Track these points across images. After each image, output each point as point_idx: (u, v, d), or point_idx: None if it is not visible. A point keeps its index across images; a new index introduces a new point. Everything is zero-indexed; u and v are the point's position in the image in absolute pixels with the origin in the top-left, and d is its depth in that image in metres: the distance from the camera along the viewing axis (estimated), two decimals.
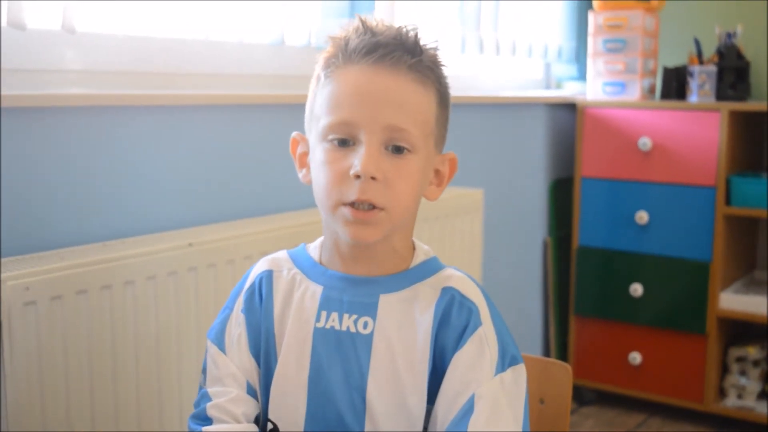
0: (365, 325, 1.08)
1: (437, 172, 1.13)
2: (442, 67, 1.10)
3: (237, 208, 2.00)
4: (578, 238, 3.15)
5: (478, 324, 1.06)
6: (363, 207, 1.03)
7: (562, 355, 3.30)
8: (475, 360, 1.05)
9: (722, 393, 3.00)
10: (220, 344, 1.14)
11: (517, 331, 3.17)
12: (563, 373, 1.36)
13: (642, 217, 2.98)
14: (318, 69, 1.11)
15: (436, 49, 1.10)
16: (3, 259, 1.51)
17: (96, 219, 1.71)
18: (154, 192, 1.83)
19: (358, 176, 1.02)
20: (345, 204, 1.04)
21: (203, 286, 1.72)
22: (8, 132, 1.56)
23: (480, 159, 2.86)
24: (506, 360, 1.07)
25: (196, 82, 2.02)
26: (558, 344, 3.29)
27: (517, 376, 1.08)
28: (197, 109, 1.90)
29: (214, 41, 2.05)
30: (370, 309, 1.08)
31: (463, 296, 1.08)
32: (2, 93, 1.51)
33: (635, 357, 3.06)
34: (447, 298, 1.08)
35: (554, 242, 3.28)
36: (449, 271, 1.12)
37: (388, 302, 1.09)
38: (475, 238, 2.53)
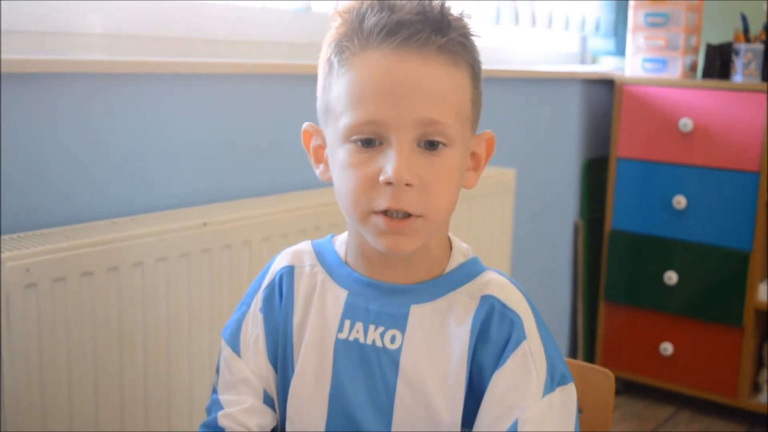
0: (393, 339, 0.96)
1: (473, 155, 1.00)
2: (474, 38, 0.95)
3: (256, 185, 1.88)
4: (611, 221, 3.02)
5: (522, 338, 0.93)
6: (398, 215, 0.90)
7: (590, 342, 3.18)
8: (518, 379, 0.92)
9: (756, 388, 2.88)
10: (235, 346, 1.03)
11: (544, 316, 3.02)
12: (605, 381, 1.24)
13: (680, 201, 2.85)
14: (328, 50, 0.95)
15: (464, 17, 0.94)
16: (2, 237, 1.40)
17: (104, 194, 1.61)
18: (168, 166, 1.71)
19: (389, 183, 0.89)
20: (376, 212, 0.91)
21: (217, 268, 1.61)
22: (9, 99, 1.44)
23: (511, 136, 2.73)
24: (555, 379, 0.94)
25: (215, 49, 1.90)
26: (586, 331, 3.17)
27: (567, 397, 0.95)
28: (216, 78, 1.78)
29: (235, 5, 1.94)
30: (399, 321, 0.96)
31: (504, 306, 0.95)
32: (2, 57, 1.40)
33: (666, 347, 2.94)
34: (486, 307, 0.95)
35: (585, 225, 3.15)
36: (489, 275, 0.99)
37: (419, 313, 0.96)
38: (505, 219, 2.41)
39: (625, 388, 3.09)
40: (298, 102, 1.94)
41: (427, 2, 0.92)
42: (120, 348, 1.46)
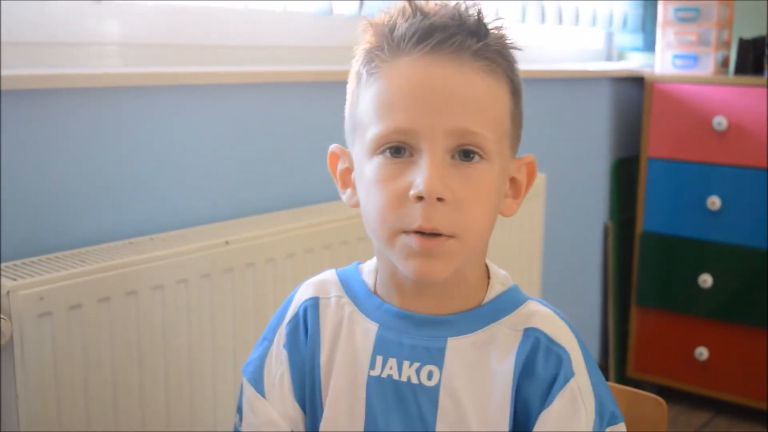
0: (429, 375, 0.89)
1: (513, 180, 0.93)
2: (512, 51, 0.89)
3: (279, 199, 1.81)
4: (642, 222, 2.93)
5: (570, 375, 0.87)
6: (429, 234, 0.83)
7: (621, 348, 3.09)
8: (567, 420, 0.86)
9: None
10: (258, 385, 0.96)
11: (573, 320, 2.92)
12: (657, 411, 1.17)
13: (714, 202, 2.75)
14: (357, 65, 0.90)
15: (502, 28, 0.88)
16: (13, 263, 1.33)
17: (120, 214, 1.53)
18: (186, 181, 1.64)
19: (420, 197, 0.81)
20: (406, 232, 0.83)
21: (241, 289, 1.54)
22: (20, 115, 1.37)
23: (538, 136, 2.64)
24: (604, 419, 0.88)
25: (233, 55, 1.82)
26: (617, 335, 3.09)
27: None
28: (234, 88, 1.71)
29: (254, 9, 1.86)
30: (435, 356, 0.89)
31: (550, 340, 0.88)
32: (8, 72, 1.33)
33: (702, 352, 2.85)
34: (531, 342, 0.88)
35: (616, 226, 3.05)
36: (532, 306, 0.92)
37: (457, 347, 0.89)
38: (536, 225, 2.33)
39: (659, 394, 2.98)
40: (321, 110, 1.86)
41: (462, 8, 0.86)
42: (140, 377, 1.39)
